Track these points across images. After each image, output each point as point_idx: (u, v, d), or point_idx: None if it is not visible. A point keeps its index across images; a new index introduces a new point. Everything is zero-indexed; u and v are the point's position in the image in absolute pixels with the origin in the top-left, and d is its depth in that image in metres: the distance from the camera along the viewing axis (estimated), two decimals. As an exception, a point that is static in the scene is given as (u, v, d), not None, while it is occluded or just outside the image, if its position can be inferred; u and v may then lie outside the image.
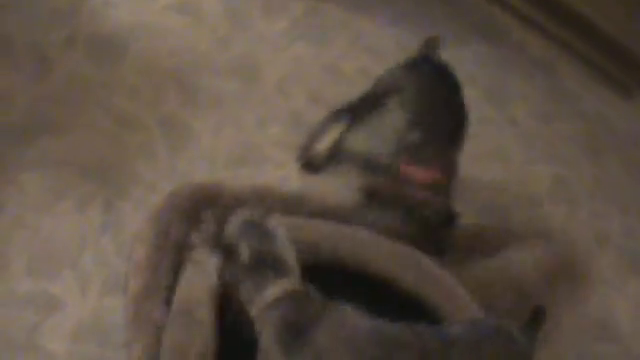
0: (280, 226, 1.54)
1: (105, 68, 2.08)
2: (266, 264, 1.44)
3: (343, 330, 1.37)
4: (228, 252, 1.51)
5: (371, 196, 1.80)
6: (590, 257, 2.51)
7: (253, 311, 1.41)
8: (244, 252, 1.46)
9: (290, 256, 1.48)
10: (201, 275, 1.55)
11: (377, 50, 2.69)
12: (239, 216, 1.55)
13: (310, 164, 2.09)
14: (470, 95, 2.72)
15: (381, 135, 1.98)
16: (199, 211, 1.72)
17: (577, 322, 2.27)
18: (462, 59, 2.87)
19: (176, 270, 1.60)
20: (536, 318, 1.64)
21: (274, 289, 1.40)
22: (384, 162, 1.89)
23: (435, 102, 2.09)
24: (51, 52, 2.03)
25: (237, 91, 2.26)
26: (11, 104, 1.88)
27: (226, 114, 2.17)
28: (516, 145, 2.77)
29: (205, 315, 1.49)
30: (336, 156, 2.02)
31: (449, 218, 1.90)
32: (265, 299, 1.39)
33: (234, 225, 1.53)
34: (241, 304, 1.45)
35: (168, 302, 1.56)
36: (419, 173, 1.82)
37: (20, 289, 1.63)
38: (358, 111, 2.10)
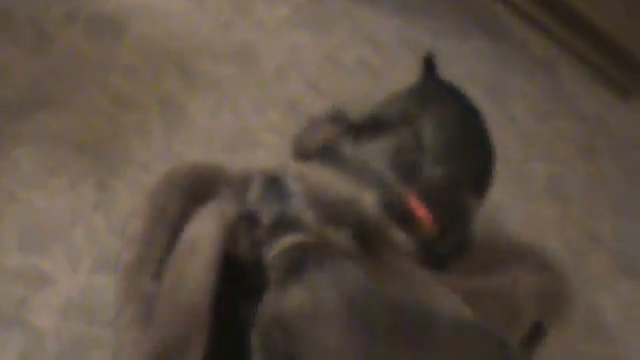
0: (299, 183, 1.58)
1: (104, 46, 2.07)
2: (284, 223, 1.51)
3: (341, 276, 1.39)
4: (250, 217, 1.55)
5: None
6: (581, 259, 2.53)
7: (267, 263, 1.46)
8: (266, 215, 1.52)
9: (307, 214, 1.53)
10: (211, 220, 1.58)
11: (378, 41, 2.69)
12: (260, 179, 1.60)
13: (302, 156, 2.09)
14: (469, 91, 2.72)
15: (388, 156, 1.85)
16: (197, 190, 1.74)
17: (566, 321, 2.29)
18: (463, 54, 2.88)
19: (170, 246, 1.60)
20: (534, 333, 1.65)
21: (285, 240, 1.46)
22: (386, 181, 1.77)
23: (458, 138, 1.94)
24: (51, 27, 2.02)
25: (236, 76, 2.26)
26: (8, 78, 1.87)
27: (224, 98, 2.17)
28: (514, 143, 2.77)
29: (208, 249, 1.52)
30: (328, 154, 2.02)
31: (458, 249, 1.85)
32: (274, 250, 1.46)
33: (256, 188, 1.58)
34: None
35: (159, 276, 1.57)
36: (423, 213, 1.68)
37: (10, 263, 1.62)
38: (360, 130, 2.01)
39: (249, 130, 2.13)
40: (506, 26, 3.30)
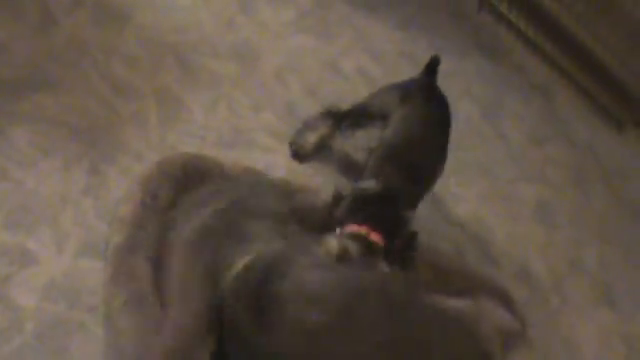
0: None
1: (108, 34, 2.08)
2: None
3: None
4: None
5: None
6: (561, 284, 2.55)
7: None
8: None
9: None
10: None
11: (378, 52, 2.71)
12: None
13: (298, 154, 2.16)
14: (465, 107, 2.76)
15: (361, 147, 2.08)
16: (189, 181, 1.77)
17: (544, 343, 2.30)
18: (462, 71, 2.90)
19: (161, 233, 1.64)
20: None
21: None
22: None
23: (416, 139, 2.04)
24: (57, 10, 2.03)
25: (235, 74, 2.27)
26: (8, 56, 1.88)
27: (221, 95, 2.18)
28: (505, 162, 2.79)
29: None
30: (322, 150, 2.12)
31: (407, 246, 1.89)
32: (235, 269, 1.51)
33: None
34: None
35: (151, 260, 1.60)
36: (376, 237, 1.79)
37: (-4, 240, 1.63)
38: (347, 119, 2.19)
39: (244, 129, 2.14)
40: (507, 48, 3.33)
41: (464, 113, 2.72)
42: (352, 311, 1.41)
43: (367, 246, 1.73)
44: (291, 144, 2.19)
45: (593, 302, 2.58)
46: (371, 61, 2.64)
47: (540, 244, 2.62)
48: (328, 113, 2.22)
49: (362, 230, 1.75)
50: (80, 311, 1.61)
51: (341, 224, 1.80)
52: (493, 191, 2.62)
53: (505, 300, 1.99)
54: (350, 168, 2.21)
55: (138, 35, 2.14)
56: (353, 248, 1.70)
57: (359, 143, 2.23)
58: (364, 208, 1.82)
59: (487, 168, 2.69)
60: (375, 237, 1.75)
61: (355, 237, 1.74)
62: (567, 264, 2.63)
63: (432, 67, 2.18)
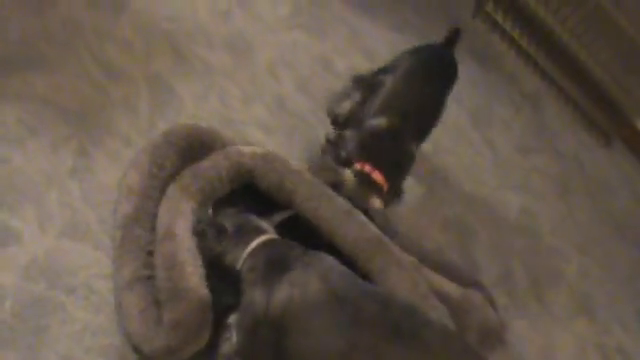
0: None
1: (103, 17, 2.08)
2: (246, 229, 1.64)
3: (318, 264, 1.50)
4: (215, 230, 1.65)
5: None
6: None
7: (239, 265, 1.58)
8: (228, 225, 1.64)
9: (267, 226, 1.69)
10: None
11: (371, 52, 2.72)
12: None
13: (337, 122, 2.29)
14: (454, 113, 2.77)
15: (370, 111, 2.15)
16: (194, 151, 1.81)
17: (521, 349, 2.32)
18: (453, 76, 2.91)
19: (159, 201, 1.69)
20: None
21: (257, 241, 1.59)
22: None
23: (415, 90, 2.16)
24: (53, -10, 2.03)
25: (228, 65, 2.27)
26: (3, 32, 1.87)
27: (213, 85, 2.18)
28: (491, 170, 2.81)
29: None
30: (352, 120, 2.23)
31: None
32: (249, 249, 1.58)
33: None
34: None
35: (153, 230, 1.65)
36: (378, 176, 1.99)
37: (-21, 216, 1.62)
38: (366, 83, 2.30)
39: (234, 120, 2.14)
40: (499, 57, 3.35)
41: (453, 118, 2.73)
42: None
43: (368, 183, 1.95)
44: (329, 113, 2.32)
45: (571, 312, 2.60)
46: (364, 60, 2.65)
47: (522, 252, 2.64)
48: (359, 79, 2.33)
49: (365, 168, 1.96)
50: (60, 291, 1.60)
51: (349, 163, 2.00)
52: (478, 197, 2.63)
53: (490, 300, 2.01)
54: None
55: (133, 21, 2.14)
56: (352, 180, 1.94)
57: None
58: (372, 145, 2.02)
59: (473, 174, 2.70)
60: (377, 176, 1.96)
61: (358, 173, 1.95)
62: (548, 273, 2.65)
63: (451, 38, 2.35)
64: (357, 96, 2.26)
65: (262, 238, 1.61)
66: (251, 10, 2.47)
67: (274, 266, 1.52)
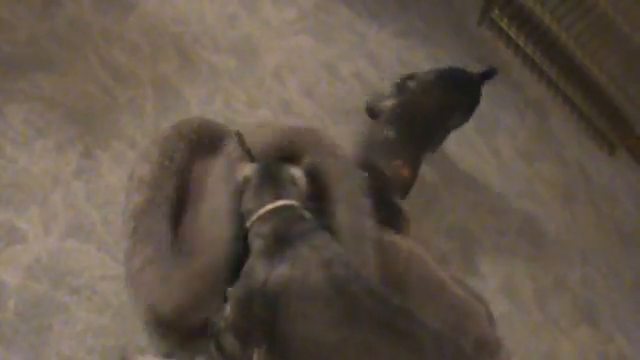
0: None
1: (110, 20, 2.09)
2: (269, 183, 1.62)
3: (323, 249, 1.49)
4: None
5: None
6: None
7: (249, 222, 1.57)
8: (253, 175, 1.65)
9: (294, 189, 1.66)
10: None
11: (377, 58, 2.72)
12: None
13: (373, 111, 2.43)
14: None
15: None
16: (203, 144, 1.81)
17: (524, 356, 2.32)
18: (459, 83, 2.91)
19: (177, 192, 1.68)
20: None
21: (270, 205, 1.57)
22: None
23: (425, 110, 2.26)
24: (61, -8, 2.04)
25: (234, 69, 2.28)
26: (12, 33, 1.88)
27: (219, 89, 2.19)
28: (496, 176, 2.80)
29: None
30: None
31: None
32: (261, 211, 1.56)
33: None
34: None
35: (168, 218, 1.64)
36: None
37: (-16, 215, 1.63)
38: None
39: (239, 124, 2.13)
40: (504, 64, 3.34)
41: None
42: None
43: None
44: (368, 102, 2.45)
45: (574, 320, 2.60)
46: (369, 66, 2.65)
47: (525, 259, 2.64)
48: (401, 84, 2.40)
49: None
50: (64, 292, 1.61)
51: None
52: (482, 203, 2.63)
53: (490, 316, 2.01)
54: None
55: (140, 23, 2.15)
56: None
57: None
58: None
59: (477, 181, 2.70)
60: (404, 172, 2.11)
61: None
62: (551, 280, 2.65)
63: (486, 74, 2.42)
64: (396, 99, 2.33)
65: (277, 203, 1.58)
66: (258, 15, 2.48)
67: (281, 239, 1.51)
